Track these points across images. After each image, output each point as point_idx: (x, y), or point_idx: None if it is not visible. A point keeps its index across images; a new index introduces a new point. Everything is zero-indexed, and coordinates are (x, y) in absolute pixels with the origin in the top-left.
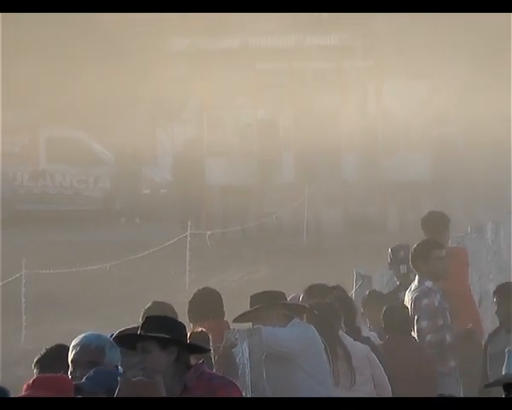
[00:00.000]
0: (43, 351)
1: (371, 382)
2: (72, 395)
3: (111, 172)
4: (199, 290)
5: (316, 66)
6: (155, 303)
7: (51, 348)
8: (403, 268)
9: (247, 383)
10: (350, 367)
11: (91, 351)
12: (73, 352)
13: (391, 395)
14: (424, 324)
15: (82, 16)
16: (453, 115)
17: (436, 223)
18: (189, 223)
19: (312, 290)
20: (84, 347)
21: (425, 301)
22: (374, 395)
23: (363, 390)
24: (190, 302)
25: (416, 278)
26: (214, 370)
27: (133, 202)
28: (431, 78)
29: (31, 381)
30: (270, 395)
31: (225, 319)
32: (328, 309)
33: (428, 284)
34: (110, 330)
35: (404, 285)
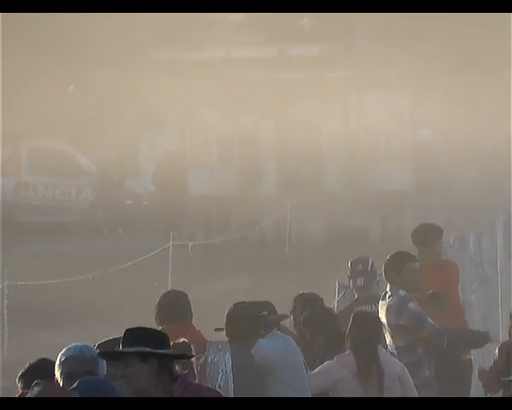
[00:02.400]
0: (26, 366)
1: None
2: None
3: (93, 184)
4: (164, 294)
5: (298, 76)
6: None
7: (34, 363)
8: (360, 281)
9: (229, 393)
10: (380, 386)
11: (87, 362)
12: (66, 364)
13: None
14: (429, 324)
15: (64, 26)
16: (435, 125)
17: (426, 235)
18: (171, 234)
19: (301, 299)
20: (79, 358)
21: (411, 306)
22: None
23: None
24: (157, 306)
25: (388, 287)
26: (197, 380)
27: (116, 213)
28: (412, 88)
29: (17, 396)
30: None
31: (193, 321)
32: (368, 321)
33: (402, 292)
34: (93, 341)
35: (362, 299)
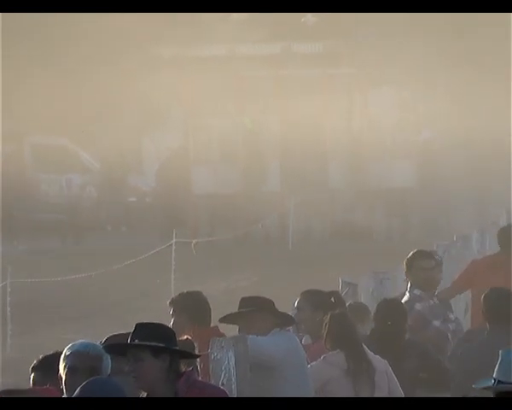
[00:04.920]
0: (40, 357)
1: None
2: None
3: (96, 181)
4: (191, 296)
5: (301, 73)
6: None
7: (49, 356)
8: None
9: (232, 390)
10: (371, 382)
11: (91, 357)
12: (71, 358)
13: None
14: (433, 325)
15: (65, 24)
16: (438, 122)
17: (508, 236)
18: (174, 231)
19: (308, 295)
20: (83, 353)
21: (418, 306)
22: None
23: None
24: (185, 308)
25: (408, 285)
26: (200, 378)
27: (119, 210)
28: (416, 85)
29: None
30: None
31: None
32: (348, 320)
33: (417, 291)
34: (96, 338)
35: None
